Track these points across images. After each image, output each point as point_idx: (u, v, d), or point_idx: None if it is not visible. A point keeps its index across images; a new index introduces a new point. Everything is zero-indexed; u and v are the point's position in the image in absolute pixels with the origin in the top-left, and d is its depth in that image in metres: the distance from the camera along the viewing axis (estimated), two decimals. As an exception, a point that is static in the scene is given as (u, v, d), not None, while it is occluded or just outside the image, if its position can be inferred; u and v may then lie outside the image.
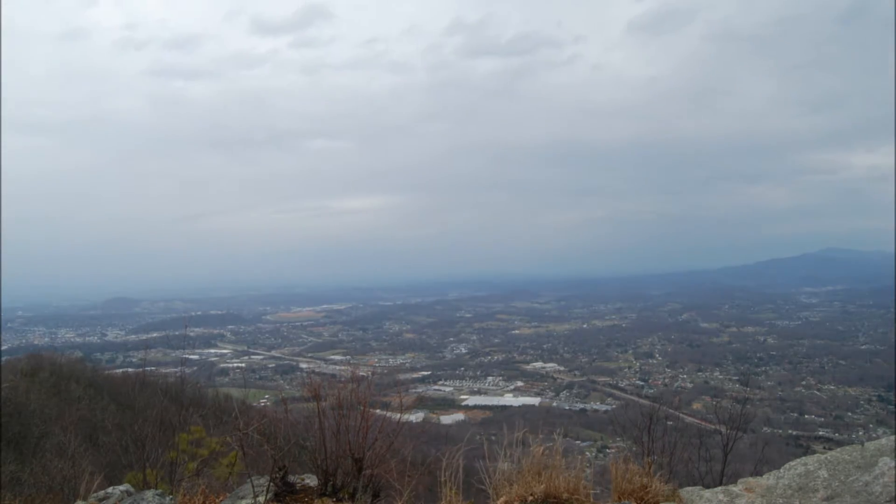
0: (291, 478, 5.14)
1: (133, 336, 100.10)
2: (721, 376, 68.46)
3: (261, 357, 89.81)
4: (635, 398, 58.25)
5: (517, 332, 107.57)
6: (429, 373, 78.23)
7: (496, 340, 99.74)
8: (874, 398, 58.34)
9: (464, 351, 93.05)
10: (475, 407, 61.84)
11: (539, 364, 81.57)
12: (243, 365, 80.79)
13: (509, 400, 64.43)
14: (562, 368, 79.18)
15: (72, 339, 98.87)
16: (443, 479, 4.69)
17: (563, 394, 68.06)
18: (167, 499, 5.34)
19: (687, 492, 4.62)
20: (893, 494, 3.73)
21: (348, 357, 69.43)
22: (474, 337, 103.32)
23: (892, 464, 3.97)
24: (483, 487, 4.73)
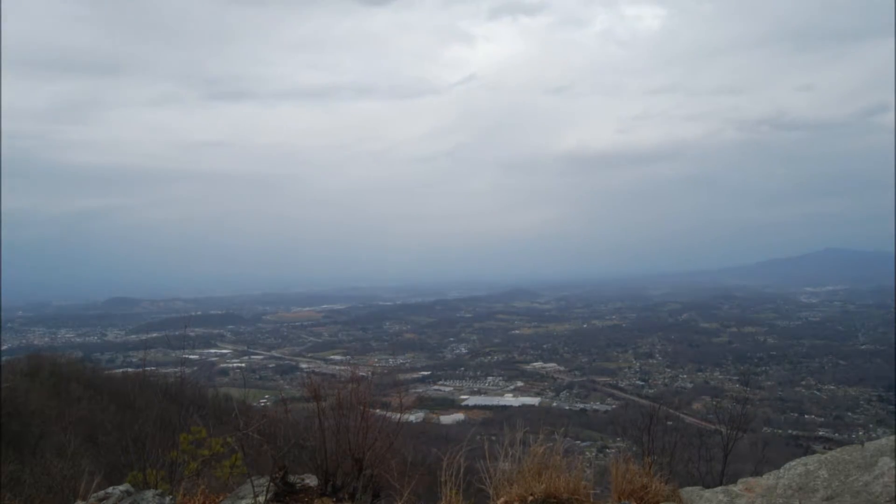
0: (291, 478, 5.14)
1: (133, 336, 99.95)
2: (721, 376, 68.45)
3: (261, 357, 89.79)
4: (635, 398, 58.30)
5: (517, 332, 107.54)
6: (429, 373, 78.22)
7: (496, 340, 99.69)
8: (874, 398, 58.33)
9: (464, 351, 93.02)
10: (475, 407, 61.81)
11: (539, 364, 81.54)
12: (243, 365, 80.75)
13: (509, 400, 64.40)
14: (562, 368, 79.15)
15: (72, 339, 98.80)
16: (443, 479, 4.69)
17: (563, 394, 68.04)
18: (167, 499, 5.34)
19: (687, 492, 4.63)
20: (893, 494, 3.73)
21: (348, 357, 69.25)
22: (474, 337, 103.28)
23: (892, 464, 3.97)
24: (483, 487, 4.73)
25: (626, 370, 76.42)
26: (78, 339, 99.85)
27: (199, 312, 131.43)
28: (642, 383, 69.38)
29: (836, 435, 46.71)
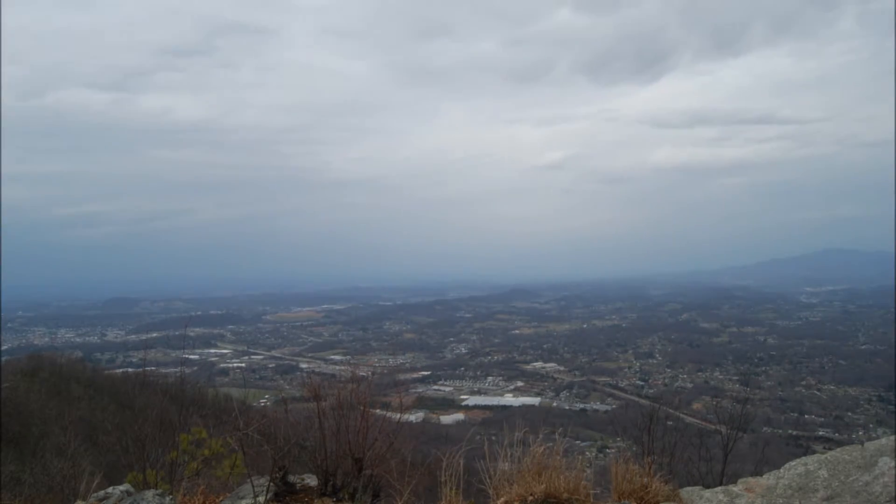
0: (291, 478, 5.14)
1: (133, 336, 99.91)
2: (721, 376, 68.45)
3: (261, 357, 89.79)
4: (635, 398, 58.27)
5: (517, 332, 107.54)
6: (429, 373, 78.21)
7: (496, 340, 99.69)
8: (874, 398, 58.34)
9: (464, 351, 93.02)
10: (475, 407, 61.83)
11: (539, 364, 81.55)
12: (243, 365, 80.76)
13: (509, 400, 64.40)
14: (562, 368, 79.15)
15: (72, 339, 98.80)
16: (443, 479, 4.69)
17: (563, 394, 68.05)
18: (167, 499, 5.34)
19: (687, 492, 4.63)
20: (893, 494, 3.73)
21: (348, 357, 69.23)
22: (474, 337, 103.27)
23: (892, 464, 3.97)
24: (483, 487, 4.73)
25: (626, 370, 76.42)
26: (78, 339, 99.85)
27: (199, 312, 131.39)
28: (642, 383, 69.37)
29: (836, 435, 46.71)
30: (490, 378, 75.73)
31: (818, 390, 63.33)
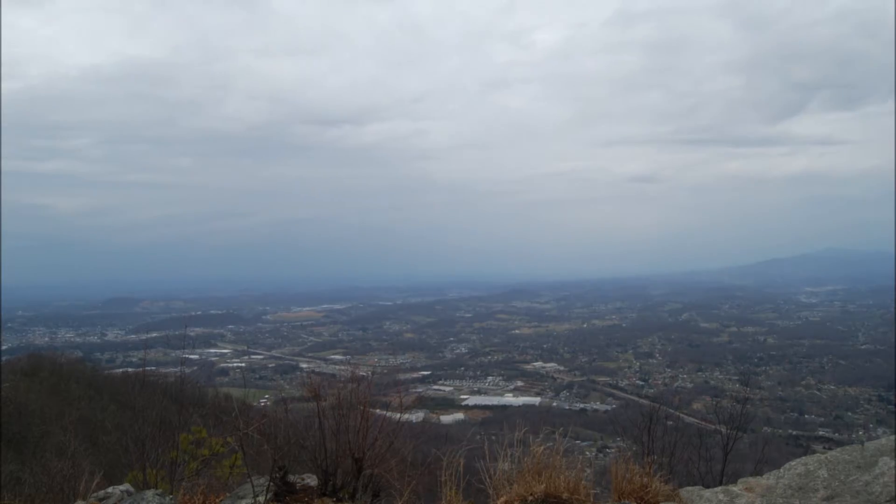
0: (291, 477, 5.14)
1: (133, 336, 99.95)
2: (721, 376, 68.44)
3: (261, 357, 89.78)
4: (635, 398, 58.26)
5: (517, 331, 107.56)
6: (429, 372, 78.21)
7: (496, 340, 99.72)
8: (874, 398, 58.33)
9: (464, 351, 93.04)
10: (475, 407, 61.83)
11: (539, 364, 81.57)
12: (243, 365, 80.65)
13: (509, 400, 64.43)
14: (562, 368, 79.17)
15: (72, 339, 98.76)
16: (443, 479, 4.69)
17: (563, 393, 68.06)
18: (167, 498, 5.34)
19: (687, 491, 4.63)
20: (893, 494, 3.73)
21: (348, 357, 69.22)
22: (474, 337, 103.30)
23: (892, 464, 3.97)
24: (483, 487, 4.73)
25: (626, 370, 76.44)
26: (78, 339, 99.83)
27: (199, 312, 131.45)
28: (642, 383, 69.39)
29: (836, 435, 46.74)
30: (490, 378, 75.74)
31: (818, 390, 63.33)
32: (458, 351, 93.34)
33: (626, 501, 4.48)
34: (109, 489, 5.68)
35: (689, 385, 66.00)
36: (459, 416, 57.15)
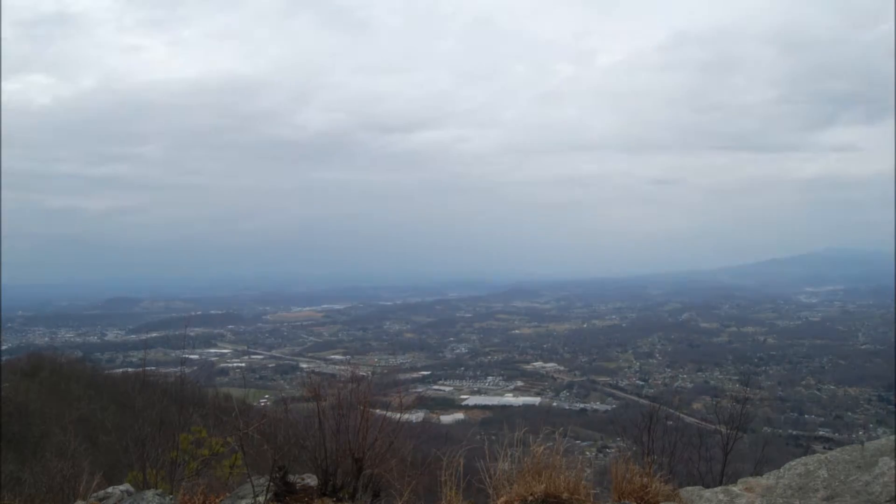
0: (291, 477, 5.14)
1: (133, 336, 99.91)
2: (721, 376, 68.41)
3: (261, 357, 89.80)
4: (635, 398, 58.29)
5: (517, 331, 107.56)
6: (429, 372, 78.20)
7: (496, 340, 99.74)
8: (874, 398, 58.32)
9: (464, 351, 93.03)
10: (475, 407, 61.82)
11: (539, 364, 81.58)
12: (243, 365, 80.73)
13: (509, 399, 64.44)
14: (562, 368, 79.17)
15: (72, 339, 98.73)
16: (443, 479, 4.69)
17: (563, 393, 68.08)
18: (167, 498, 5.34)
19: (687, 491, 4.63)
20: (893, 494, 3.73)
21: (348, 357, 69.18)
22: (474, 337, 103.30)
23: (892, 464, 3.97)
24: (483, 487, 4.73)
25: (626, 370, 76.45)
26: (78, 339, 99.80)
27: (199, 312, 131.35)
28: (642, 383, 69.39)
29: (836, 435, 46.69)
30: (490, 378, 75.75)
31: (818, 390, 63.33)
32: (458, 351, 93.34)
33: (626, 501, 4.48)
34: (109, 489, 5.68)
35: (689, 385, 66.00)
36: (459, 416, 57.15)
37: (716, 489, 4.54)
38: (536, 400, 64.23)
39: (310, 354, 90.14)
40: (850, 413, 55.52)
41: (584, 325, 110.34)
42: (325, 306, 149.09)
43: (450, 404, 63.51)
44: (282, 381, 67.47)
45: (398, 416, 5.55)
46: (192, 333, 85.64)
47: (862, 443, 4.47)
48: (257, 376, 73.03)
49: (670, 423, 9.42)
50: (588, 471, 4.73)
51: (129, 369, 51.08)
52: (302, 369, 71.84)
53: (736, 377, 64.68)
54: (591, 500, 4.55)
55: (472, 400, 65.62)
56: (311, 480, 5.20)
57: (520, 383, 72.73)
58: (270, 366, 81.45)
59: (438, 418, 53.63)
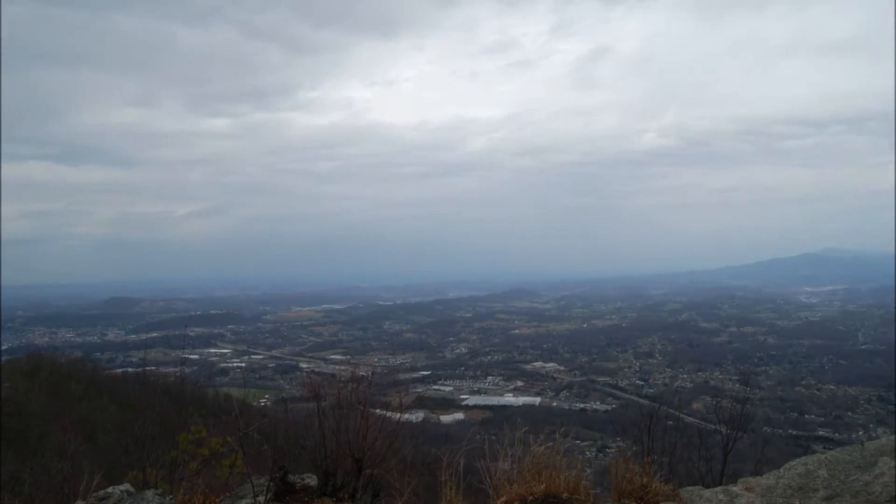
0: (291, 477, 5.14)
1: (133, 336, 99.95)
2: (721, 376, 68.33)
3: (261, 357, 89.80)
4: (635, 398, 58.23)
5: (517, 331, 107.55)
6: (429, 372, 78.20)
7: (496, 340, 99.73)
8: (874, 398, 58.35)
9: (464, 351, 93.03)
10: (475, 407, 61.81)
11: (539, 364, 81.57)
12: (243, 365, 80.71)
13: (509, 399, 64.43)
14: (562, 368, 79.16)
15: (72, 339, 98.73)
16: (443, 479, 4.69)
17: (563, 393, 68.06)
18: (167, 498, 5.34)
19: (687, 491, 4.63)
20: (893, 494, 3.73)
21: (348, 357, 69.23)
22: (474, 337, 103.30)
23: (892, 464, 3.97)
24: (483, 487, 4.73)
25: (626, 370, 76.43)
26: (78, 339, 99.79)
27: (199, 312, 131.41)
28: (642, 383, 69.39)
29: (836, 435, 46.71)
30: (490, 378, 75.75)
31: (818, 390, 63.35)
32: (458, 351, 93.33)
33: (626, 501, 4.48)
34: (109, 489, 5.67)
35: (689, 385, 65.96)
36: (459, 416, 57.14)
37: (716, 489, 4.54)
38: (536, 400, 64.23)
39: (310, 354, 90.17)
40: (850, 413, 55.53)
41: (584, 325, 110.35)
42: (325, 306, 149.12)
43: (450, 404, 63.51)
44: (282, 381, 67.46)
45: (398, 416, 5.55)
46: (192, 333, 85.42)
47: (862, 443, 4.47)
48: (257, 376, 73.05)
49: (670, 423, 9.41)
50: (588, 471, 4.74)
51: (129, 369, 51.12)
52: (302, 369, 71.86)
53: (736, 377, 64.51)
54: (591, 500, 4.55)
55: (472, 400, 65.61)
56: (311, 480, 5.20)
57: (520, 383, 72.73)
58: (270, 366, 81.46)
59: (438, 418, 53.68)
